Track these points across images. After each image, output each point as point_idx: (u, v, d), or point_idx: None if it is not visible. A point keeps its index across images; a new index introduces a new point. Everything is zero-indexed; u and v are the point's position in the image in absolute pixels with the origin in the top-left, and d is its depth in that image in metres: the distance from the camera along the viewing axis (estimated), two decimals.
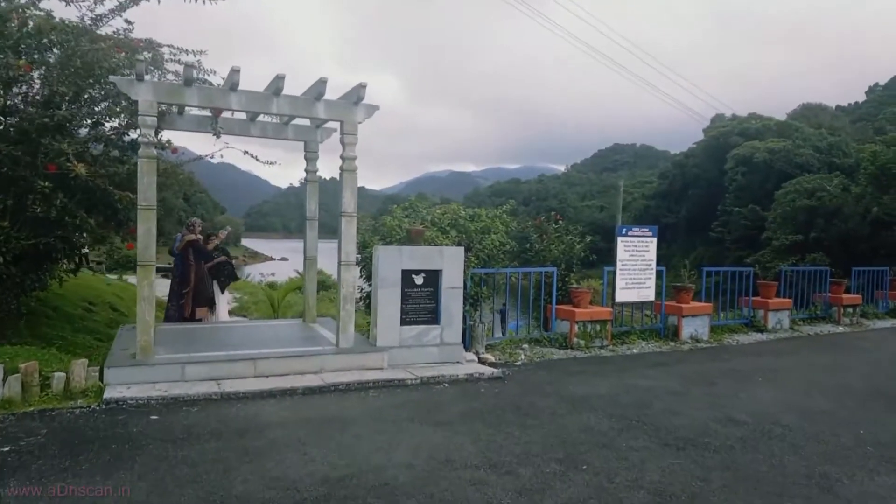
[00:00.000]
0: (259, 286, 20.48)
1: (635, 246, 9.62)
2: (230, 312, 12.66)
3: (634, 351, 8.91)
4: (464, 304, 7.84)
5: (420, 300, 7.14)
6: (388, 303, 7.03)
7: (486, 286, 8.39)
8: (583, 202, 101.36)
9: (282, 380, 6.18)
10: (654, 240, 9.84)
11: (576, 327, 8.83)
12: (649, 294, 9.81)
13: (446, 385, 6.49)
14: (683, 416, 5.59)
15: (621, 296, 9.54)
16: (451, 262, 7.21)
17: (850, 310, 12.16)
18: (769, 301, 11.01)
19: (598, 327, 9.02)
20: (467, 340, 7.96)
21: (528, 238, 10.02)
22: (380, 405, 5.68)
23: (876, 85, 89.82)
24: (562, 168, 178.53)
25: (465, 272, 7.99)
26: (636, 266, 9.64)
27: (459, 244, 8.30)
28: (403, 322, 7.10)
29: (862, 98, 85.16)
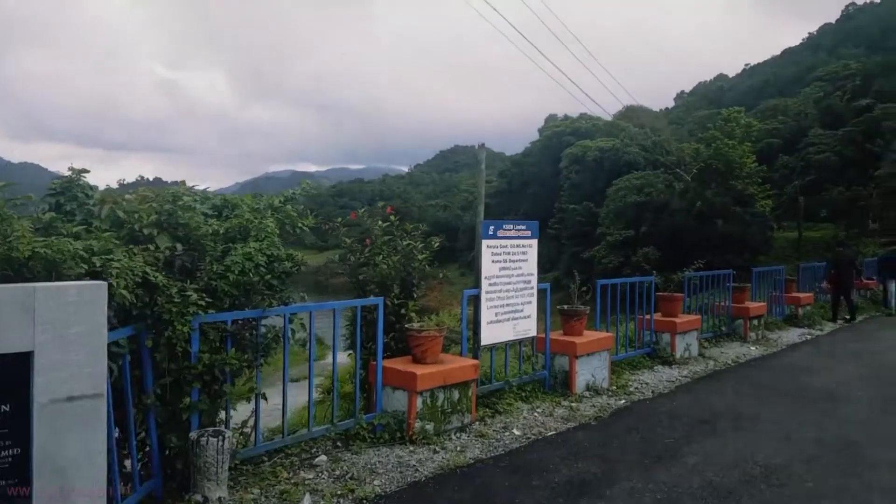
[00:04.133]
0: None
1: (509, 253, 5.99)
2: None
3: (515, 432, 5.22)
4: (171, 397, 3.61)
5: None
6: None
7: (235, 346, 4.18)
8: (427, 202, 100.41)
9: None
10: (535, 243, 6.30)
11: (417, 401, 4.95)
12: (529, 326, 6.25)
13: None
14: None
15: (490, 334, 5.85)
16: (67, 328, 2.77)
17: (756, 321, 9.76)
18: (676, 321, 8.06)
19: (455, 395, 5.23)
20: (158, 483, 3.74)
21: (348, 248, 5.97)
22: None
23: (682, 92, 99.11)
24: (405, 169, 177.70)
25: (176, 322, 3.76)
26: (511, 285, 6.01)
27: (167, 263, 4.01)
28: None
29: (671, 104, 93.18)
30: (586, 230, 53.26)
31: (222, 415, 4.21)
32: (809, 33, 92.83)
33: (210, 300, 4.03)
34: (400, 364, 5.16)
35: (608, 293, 7.48)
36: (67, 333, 2.71)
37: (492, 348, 5.94)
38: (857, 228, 40.32)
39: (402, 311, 5.65)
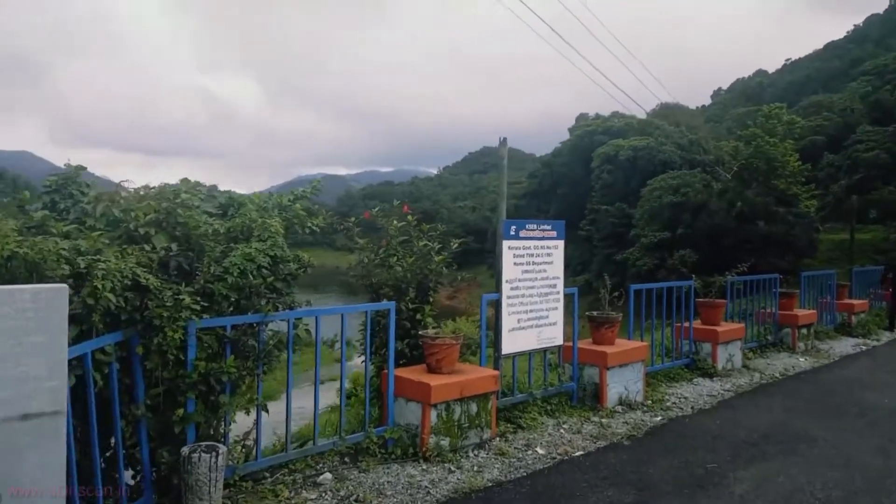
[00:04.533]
0: None
1: (532, 255, 5.56)
2: None
3: (539, 451, 4.79)
4: (174, 405, 3.33)
5: None
6: None
7: (235, 353, 3.86)
8: (455, 203, 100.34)
9: None
10: (561, 244, 5.85)
11: (431, 414, 4.56)
12: (555, 334, 5.80)
13: None
14: None
15: (512, 342, 5.42)
16: (23, 337, 2.28)
17: (805, 330, 9.08)
18: (717, 329, 7.49)
19: (472, 408, 4.82)
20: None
21: (360, 249, 5.63)
22: None
23: (720, 89, 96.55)
24: (434, 171, 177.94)
25: (167, 328, 3.46)
26: (534, 289, 5.58)
27: (162, 264, 3.72)
28: None
29: (708, 101, 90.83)
30: (619, 231, 52.13)
31: (225, 427, 3.91)
32: (855, 25, 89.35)
33: (207, 304, 3.72)
34: (413, 373, 4.78)
35: (642, 298, 6.97)
36: (23, 343, 2.40)
37: (514, 357, 5.51)
38: None
39: (418, 316, 5.27)
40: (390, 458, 4.48)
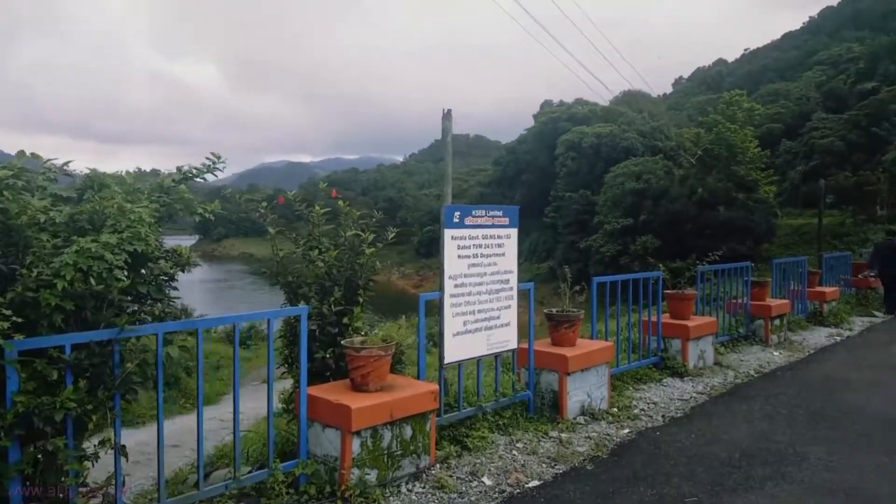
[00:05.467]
0: None
1: (480, 247, 4.71)
2: None
3: (486, 482, 3.96)
4: None
5: None
6: None
7: (82, 382, 2.89)
8: (421, 191, 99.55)
9: None
10: (514, 233, 5.01)
11: (353, 444, 3.68)
12: (508, 337, 4.98)
13: None
14: None
15: (457, 349, 4.57)
16: None
17: (777, 321, 8.50)
18: (688, 324, 6.80)
19: (406, 432, 3.97)
20: None
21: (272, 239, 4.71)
22: None
23: (681, 77, 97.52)
24: (400, 158, 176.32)
25: None
26: (484, 285, 4.74)
27: None
28: None
29: (670, 90, 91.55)
30: (583, 218, 51.98)
31: (72, 478, 2.96)
32: (810, 17, 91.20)
33: (28, 318, 2.76)
34: (333, 392, 3.90)
35: (606, 292, 6.22)
36: None
37: (460, 365, 4.67)
38: (865, 215, 39.10)
39: (346, 319, 4.39)
40: (302, 500, 3.60)
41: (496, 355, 4.93)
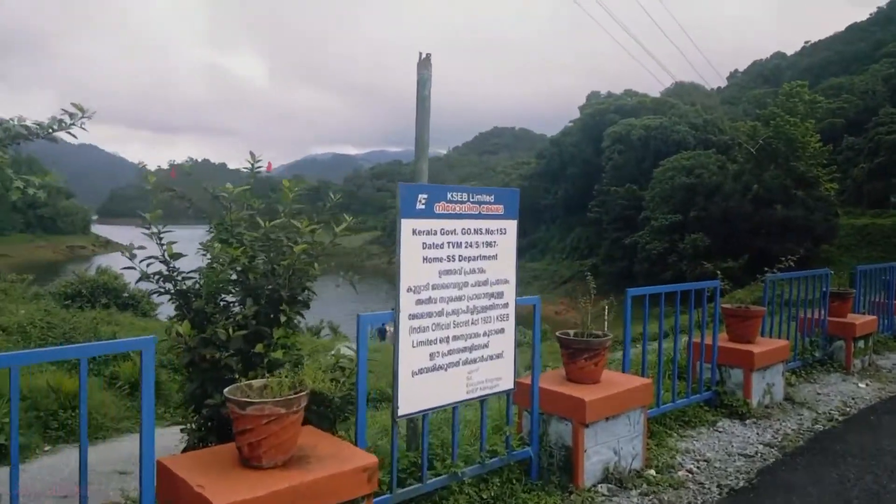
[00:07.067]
0: None
1: (459, 245, 3.29)
2: None
3: None
4: None
5: None
6: None
7: None
8: (462, 183, 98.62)
9: None
10: (513, 227, 3.58)
11: None
12: (501, 372, 3.55)
13: None
14: None
15: (417, 394, 3.17)
16: None
17: (862, 343, 6.80)
18: (752, 350, 5.21)
19: None
20: None
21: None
22: None
23: (736, 71, 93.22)
24: (443, 151, 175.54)
25: None
26: (463, 301, 3.32)
27: None
28: None
29: (724, 84, 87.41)
30: (629, 214, 49.75)
31: None
32: (878, 7, 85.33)
33: None
34: (202, 468, 2.57)
35: (646, 306, 4.72)
36: None
37: (425, 415, 3.29)
38: None
39: (259, 347, 3.07)
40: None
41: (483, 399, 3.52)
